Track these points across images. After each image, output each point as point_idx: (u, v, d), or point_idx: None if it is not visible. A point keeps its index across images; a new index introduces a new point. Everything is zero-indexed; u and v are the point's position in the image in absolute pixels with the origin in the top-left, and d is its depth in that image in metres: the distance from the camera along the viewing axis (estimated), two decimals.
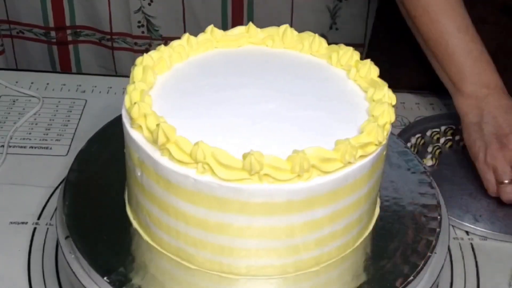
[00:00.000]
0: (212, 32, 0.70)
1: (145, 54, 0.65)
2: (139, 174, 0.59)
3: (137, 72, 0.63)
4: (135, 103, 0.58)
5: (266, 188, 0.54)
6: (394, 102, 0.62)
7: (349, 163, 0.56)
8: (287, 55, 0.71)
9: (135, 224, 0.64)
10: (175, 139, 0.55)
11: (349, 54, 0.68)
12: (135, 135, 0.58)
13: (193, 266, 0.60)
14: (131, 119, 0.58)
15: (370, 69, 0.66)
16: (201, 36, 0.69)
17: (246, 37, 0.71)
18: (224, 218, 0.56)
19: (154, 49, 0.67)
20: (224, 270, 0.59)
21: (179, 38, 0.69)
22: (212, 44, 0.70)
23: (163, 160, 0.56)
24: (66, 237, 0.63)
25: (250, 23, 0.71)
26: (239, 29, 0.71)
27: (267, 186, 0.54)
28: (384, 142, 0.59)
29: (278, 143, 0.57)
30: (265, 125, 0.60)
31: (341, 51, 0.69)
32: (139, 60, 0.64)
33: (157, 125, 0.55)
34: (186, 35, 0.68)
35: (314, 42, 0.70)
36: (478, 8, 0.71)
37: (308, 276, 0.60)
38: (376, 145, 0.58)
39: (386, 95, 0.62)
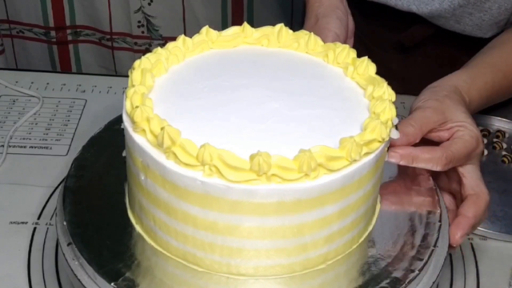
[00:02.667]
0: (207, 33, 0.69)
1: (142, 57, 0.64)
2: (142, 178, 0.59)
3: (135, 75, 0.62)
4: (136, 106, 0.57)
5: (274, 188, 0.54)
6: (393, 99, 0.63)
7: (355, 160, 0.56)
8: (283, 54, 0.71)
9: (138, 228, 0.63)
10: (181, 142, 0.55)
11: (346, 52, 0.68)
12: (138, 139, 0.58)
13: (200, 269, 0.59)
14: (133, 123, 0.58)
15: (368, 66, 0.66)
16: (196, 37, 0.69)
17: (241, 37, 0.71)
18: (232, 220, 0.56)
19: (155, 48, 0.67)
20: (232, 271, 0.59)
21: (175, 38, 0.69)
22: (208, 45, 0.69)
23: (169, 164, 0.55)
24: (69, 244, 0.62)
25: (245, 23, 0.71)
26: (234, 29, 0.71)
27: (275, 186, 0.54)
28: (387, 138, 0.60)
29: (283, 143, 0.57)
30: (269, 125, 0.60)
31: (338, 49, 0.69)
32: (136, 63, 0.64)
33: (162, 128, 0.55)
34: (182, 37, 0.68)
35: (310, 40, 0.70)
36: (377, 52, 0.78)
37: (316, 274, 0.60)
38: (379, 141, 0.58)
39: (386, 92, 0.63)
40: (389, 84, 0.64)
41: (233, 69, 0.67)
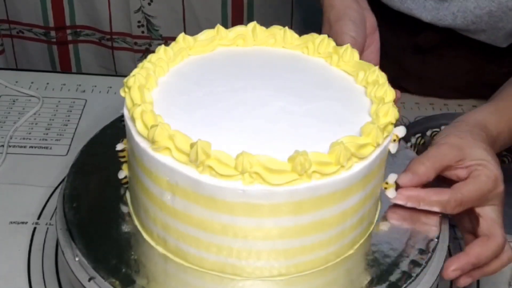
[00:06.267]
0: (184, 40, 0.68)
1: (135, 73, 0.62)
2: (169, 198, 0.57)
3: (135, 94, 0.60)
4: (153, 126, 0.55)
5: (314, 186, 0.54)
6: (386, 79, 0.64)
7: (378, 144, 0.57)
8: (263, 51, 0.71)
9: (161, 249, 0.61)
10: (214, 154, 0.53)
11: (326, 42, 0.69)
12: (163, 158, 0.55)
13: (239, 278, 0.59)
14: (153, 143, 0.55)
15: (352, 53, 0.68)
16: (174, 45, 0.68)
17: (216, 39, 0.70)
18: (277, 223, 0.56)
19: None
20: (274, 273, 0.59)
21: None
22: (187, 52, 0.68)
23: (204, 178, 0.54)
24: (75, 257, 0.61)
25: (218, 25, 0.70)
26: (208, 33, 0.70)
27: (315, 182, 0.54)
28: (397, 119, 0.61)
29: (306, 138, 0.58)
30: (284, 124, 0.60)
31: (317, 40, 0.70)
32: (130, 81, 0.61)
33: (194, 143, 0.53)
34: (162, 48, 0.66)
35: (286, 34, 0.71)
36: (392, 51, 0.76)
37: (334, 268, 0.61)
38: (392, 124, 0.60)
39: (379, 75, 0.64)
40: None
41: (222, 74, 0.66)
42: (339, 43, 0.71)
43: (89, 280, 0.59)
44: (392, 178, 0.64)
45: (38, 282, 0.69)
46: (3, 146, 0.88)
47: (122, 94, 0.61)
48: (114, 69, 1.62)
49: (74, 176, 0.69)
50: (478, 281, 0.72)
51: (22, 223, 0.76)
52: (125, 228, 0.63)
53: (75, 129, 0.92)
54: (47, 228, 0.75)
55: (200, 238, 0.57)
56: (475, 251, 0.62)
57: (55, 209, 0.68)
